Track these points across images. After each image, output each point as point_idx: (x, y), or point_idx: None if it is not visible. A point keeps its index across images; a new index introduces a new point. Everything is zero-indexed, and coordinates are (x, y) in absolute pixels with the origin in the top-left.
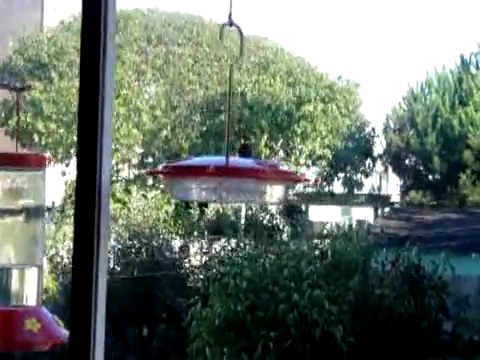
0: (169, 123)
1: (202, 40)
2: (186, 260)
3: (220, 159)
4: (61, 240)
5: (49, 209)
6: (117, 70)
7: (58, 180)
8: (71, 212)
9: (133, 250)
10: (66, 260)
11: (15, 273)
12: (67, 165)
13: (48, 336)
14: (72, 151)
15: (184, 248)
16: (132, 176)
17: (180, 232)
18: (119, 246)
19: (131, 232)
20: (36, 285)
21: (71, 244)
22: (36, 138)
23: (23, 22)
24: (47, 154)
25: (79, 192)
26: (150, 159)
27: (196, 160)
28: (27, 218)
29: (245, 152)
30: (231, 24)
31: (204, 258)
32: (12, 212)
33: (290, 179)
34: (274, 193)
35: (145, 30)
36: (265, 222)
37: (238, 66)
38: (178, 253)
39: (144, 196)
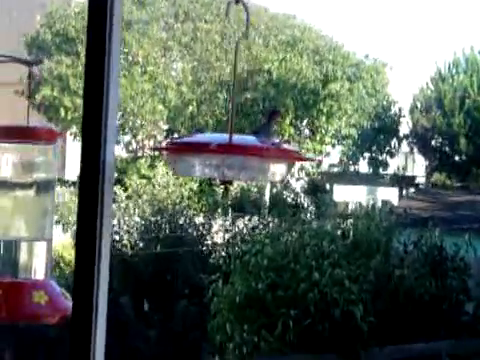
0: (195, 99)
1: (230, 17)
2: (209, 237)
3: (223, 137)
4: None
5: (74, 183)
6: (143, 46)
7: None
8: None
9: (156, 226)
10: None
11: (24, 246)
12: None
13: (55, 309)
14: None
15: (207, 225)
16: (157, 152)
17: (203, 209)
18: (143, 222)
19: (155, 208)
20: (45, 258)
21: None
22: (62, 113)
23: None
24: (58, 129)
25: (83, 174)
26: (175, 135)
27: (200, 137)
28: (38, 192)
29: (271, 118)
30: (237, 1)
31: (227, 235)
32: (23, 186)
33: (293, 158)
34: (277, 171)
35: (172, 6)
36: (289, 200)
37: (246, 42)
38: (201, 230)
39: (167, 173)
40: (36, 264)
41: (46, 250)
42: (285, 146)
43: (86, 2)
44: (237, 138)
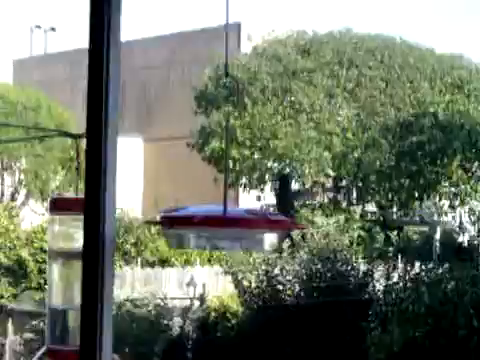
0: (360, 145)
1: (394, 62)
2: (370, 284)
3: (218, 209)
4: (250, 264)
5: None
6: (309, 94)
7: (253, 205)
8: None
9: (318, 274)
10: (253, 284)
11: (73, 314)
12: (262, 190)
13: None
14: (267, 177)
15: (369, 272)
16: (326, 200)
17: (365, 256)
18: (303, 270)
19: (316, 257)
20: None
21: (260, 270)
22: (231, 164)
23: (220, 50)
24: None
25: (85, 244)
26: (344, 182)
27: (191, 210)
28: None
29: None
30: (227, 75)
31: (388, 282)
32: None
33: (281, 227)
34: (266, 241)
35: (337, 54)
36: (465, 244)
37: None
38: (362, 277)
39: (328, 223)
40: None
41: None
42: (273, 217)
43: (252, 53)
44: (230, 210)
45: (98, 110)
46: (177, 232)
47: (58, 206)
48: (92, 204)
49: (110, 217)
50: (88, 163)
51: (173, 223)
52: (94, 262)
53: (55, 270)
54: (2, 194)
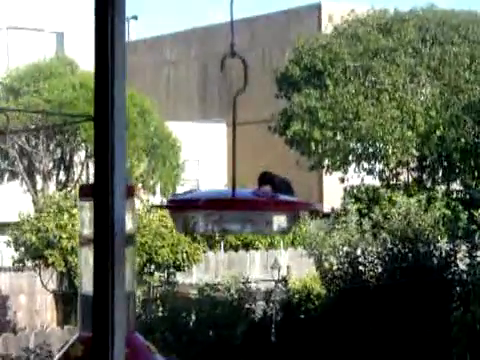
0: (443, 123)
1: (479, 38)
2: (453, 264)
3: (225, 191)
4: (331, 246)
5: (327, 215)
6: (391, 73)
7: (337, 186)
8: (343, 219)
9: (400, 255)
10: (335, 267)
11: None
12: (345, 172)
13: None
14: (350, 158)
15: (451, 252)
16: (411, 180)
17: (448, 236)
18: (385, 252)
19: (397, 237)
20: (127, 310)
21: (341, 251)
22: (313, 146)
23: (301, 31)
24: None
25: (96, 228)
26: (428, 162)
27: (196, 194)
28: None
29: (265, 181)
30: (233, 55)
31: (471, 262)
32: None
33: (290, 208)
34: (275, 222)
35: (419, 31)
36: None
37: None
38: (444, 258)
39: (409, 202)
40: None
41: (129, 302)
42: (282, 197)
43: (333, 34)
44: (238, 192)
45: (105, 93)
46: (184, 215)
47: (87, 193)
48: (101, 188)
49: (119, 200)
50: (96, 146)
51: (179, 207)
52: (104, 247)
53: (86, 256)
54: (87, 181)
